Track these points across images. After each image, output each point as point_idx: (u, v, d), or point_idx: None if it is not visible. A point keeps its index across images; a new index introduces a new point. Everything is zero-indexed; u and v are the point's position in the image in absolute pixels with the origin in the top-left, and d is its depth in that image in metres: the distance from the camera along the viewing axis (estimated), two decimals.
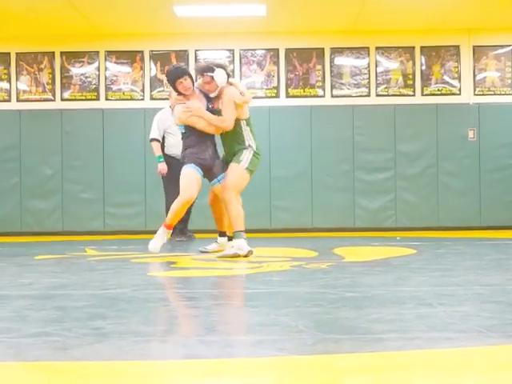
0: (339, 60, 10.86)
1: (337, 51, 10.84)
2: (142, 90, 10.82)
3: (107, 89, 10.86)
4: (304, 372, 2.08)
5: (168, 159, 8.40)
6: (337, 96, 10.85)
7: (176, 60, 10.76)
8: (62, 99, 10.88)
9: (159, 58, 10.83)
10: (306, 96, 10.87)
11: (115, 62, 10.86)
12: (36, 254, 6.65)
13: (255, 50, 10.87)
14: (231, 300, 3.63)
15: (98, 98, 10.86)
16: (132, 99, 10.84)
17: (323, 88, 10.85)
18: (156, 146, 8.48)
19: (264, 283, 4.33)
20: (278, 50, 10.86)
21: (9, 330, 2.80)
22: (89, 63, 10.86)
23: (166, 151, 8.48)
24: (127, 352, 2.37)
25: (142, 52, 10.85)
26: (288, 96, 10.87)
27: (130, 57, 10.85)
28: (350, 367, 2.15)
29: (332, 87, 10.85)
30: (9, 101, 10.90)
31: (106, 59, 10.85)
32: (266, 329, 2.72)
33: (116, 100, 10.81)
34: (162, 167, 8.38)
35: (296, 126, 10.70)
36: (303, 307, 3.25)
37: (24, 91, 10.91)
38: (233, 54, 10.85)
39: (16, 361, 2.25)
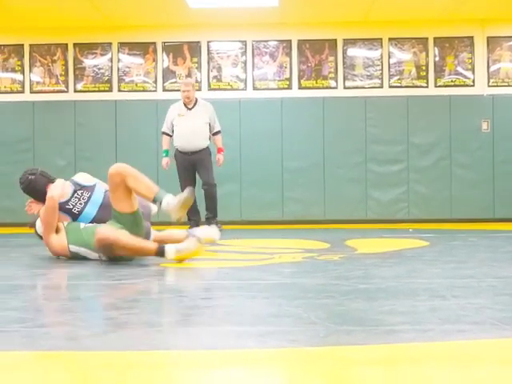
0: (352, 51, 10.82)
1: (349, 42, 10.80)
2: (155, 82, 10.82)
3: (120, 80, 10.87)
4: (316, 363, 2.08)
5: (175, 151, 8.65)
6: (349, 87, 10.81)
7: (188, 52, 10.77)
8: (75, 91, 10.91)
9: (172, 49, 10.83)
10: (318, 87, 10.85)
11: (128, 54, 10.87)
12: None
13: (267, 41, 10.85)
14: (243, 291, 3.63)
15: (110, 90, 10.88)
16: (144, 91, 10.85)
17: (336, 79, 10.82)
18: (163, 140, 8.74)
19: (276, 274, 4.33)
20: (290, 41, 10.84)
21: (23, 320, 2.81)
22: (102, 55, 10.88)
23: (173, 143, 8.64)
24: (140, 342, 2.37)
25: (154, 43, 10.85)
26: (300, 87, 10.85)
27: (143, 48, 10.86)
28: (363, 359, 2.15)
29: (344, 79, 10.82)
30: (22, 92, 10.94)
31: (118, 51, 10.86)
32: (278, 320, 2.72)
33: (129, 91, 10.82)
34: (163, 162, 8.69)
35: (308, 118, 10.68)
36: (315, 299, 3.25)
37: (37, 83, 10.94)
38: (245, 45, 10.83)
39: (30, 350, 2.27)
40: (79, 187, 5.42)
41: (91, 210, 5.33)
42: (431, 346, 2.28)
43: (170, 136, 8.65)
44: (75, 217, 5.29)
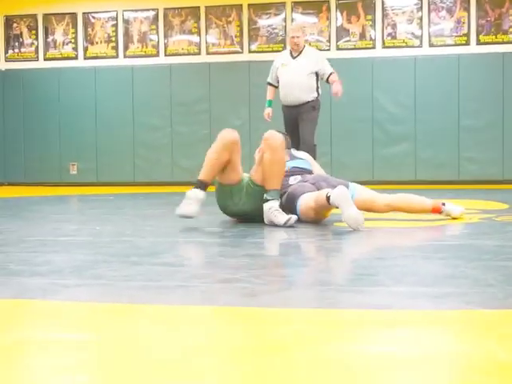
0: None
1: None
2: (328, 41, 10.77)
3: None
4: (493, 326, 2.02)
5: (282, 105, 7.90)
6: None
7: (362, 9, 10.61)
8: (250, 51, 11.08)
9: (345, 7, 10.71)
10: (498, 42, 10.36)
11: (301, 13, 10.87)
12: None
13: None
14: (417, 251, 3.58)
15: (284, 49, 10.94)
16: (318, 50, 10.82)
17: None
18: (268, 90, 8.03)
19: (452, 235, 4.23)
20: None
21: (203, 276, 2.93)
22: (275, 15, 10.95)
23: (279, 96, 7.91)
24: (313, 300, 2.40)
25: (328, 2, 10.77)
26: (479, 43, 10.41)
27: (317, 7, 10.82)
28: None
29: None
30: (199, 54, 11.26)
31: (292, 10, 10.88)
32: (454, 281, 2.66)
33: None
34: (265, 112, 8.00)
35: (487, 74, 10.25)
36: (493, 260, 3.14)
37: (213, 44, 11.21)
38: (421, 0, 10.51)
39: (207, 305, 2.35)
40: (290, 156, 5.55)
41: None
42: None
43: (276, 87, 7.93)
44: None
